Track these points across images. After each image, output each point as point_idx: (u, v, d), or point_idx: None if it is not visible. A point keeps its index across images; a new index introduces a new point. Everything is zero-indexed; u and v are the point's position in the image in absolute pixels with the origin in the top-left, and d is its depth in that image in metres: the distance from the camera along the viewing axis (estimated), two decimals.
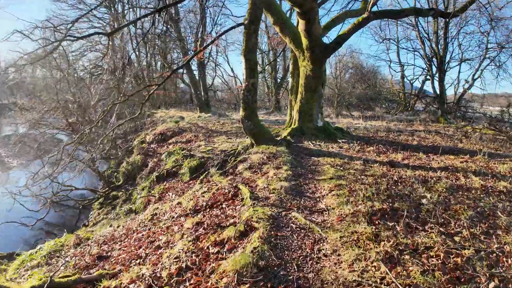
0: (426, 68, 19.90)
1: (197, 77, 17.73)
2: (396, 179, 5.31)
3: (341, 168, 5.82)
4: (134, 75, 23.88)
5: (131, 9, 21.95)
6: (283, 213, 4.09)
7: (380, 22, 21.04)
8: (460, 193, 4.89)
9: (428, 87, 27.21)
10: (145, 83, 25.57)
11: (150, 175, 9.34)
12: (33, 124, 14.41)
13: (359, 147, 7.97)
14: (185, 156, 8.75)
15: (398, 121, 17.68)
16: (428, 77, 25.43)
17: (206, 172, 7.17)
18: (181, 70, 18.45)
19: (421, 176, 5.61)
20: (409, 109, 22.76)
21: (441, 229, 3.65)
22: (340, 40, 8.00)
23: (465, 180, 5.58)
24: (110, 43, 8.26)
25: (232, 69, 44.50)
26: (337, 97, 21.76)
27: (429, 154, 7.98)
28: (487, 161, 7.22)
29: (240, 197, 4.91)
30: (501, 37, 18.48)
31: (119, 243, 5.65)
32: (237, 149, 8.16)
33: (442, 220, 3.88)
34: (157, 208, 6.36)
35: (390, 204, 4.17)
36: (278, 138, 8.71)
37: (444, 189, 4.94)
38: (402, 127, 14.44)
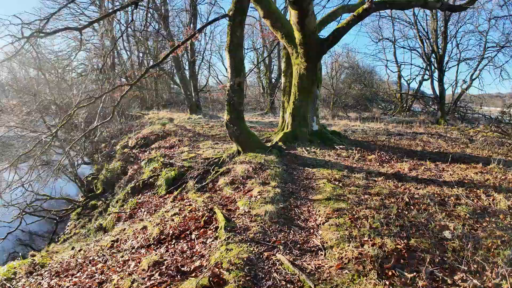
0: (425, 68, 18.95)
1: (188, 77, 16.60)
2: (407, 199, 4.26)
3: (340, 184, 4.77)
4: (125, 75, 22.72)
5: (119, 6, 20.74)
6: (265, 254, 3.02)
7: (379, 20, 20.07)
8: (487, 219, 3.87)
9: (425, 87, 26.32)
10: (137, 83, 24.40)
11: (128, 185, 8.23)
12: (11, 127, 13.22)
13: (359, 154, 6.92)
14: (164, 165, 7.66)
15: (397, 122, 16.71)
16: (426, 77, 24.58)
17: (183, 186, 6.09)
18: (171, 70, 17.36)
19: (436, 195, 4.58)
20: (406, 110, 21.81)
21: (476, 281, 2.61)
22: (338, 34, 6.97)
23: (488, 199, 4.55)
24: (82, 38, 7.17)
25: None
26: (333, 98, 20.75)
27: (438, 163, 6.96)
28: (504, 172, 6.21)
29: (215, 225, 3.84)
30: (500, 36, 17.59)
31: (71, 277, 4.56)
32: (221, 157, 7.09)
33: (475, 265, 2.84)
34: (123, 230, 5.26)
35: (405, 241, 3.12)
36: (269, 144, 7.66)
37: (467, 215, 3.91)
38: (402, 129, 13.46)
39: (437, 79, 17.04)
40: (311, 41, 7.03)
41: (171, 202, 5.37)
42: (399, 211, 3.89)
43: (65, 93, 13.11)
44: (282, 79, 8.97)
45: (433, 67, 17.86)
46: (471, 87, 20.73)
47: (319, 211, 3.88)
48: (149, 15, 21.37)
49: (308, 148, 7.29)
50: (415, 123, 16.69)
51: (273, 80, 22.42)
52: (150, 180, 7.45)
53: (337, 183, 4.85)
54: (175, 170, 6.98)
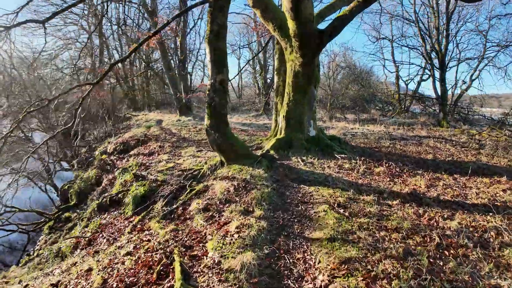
0: (427, 67, 17.80)
1: (177, 77, 15.31)
2: (438, 238, 3.06)
3: (347, 214, 3.54)
4: (115, 75, 21.36)
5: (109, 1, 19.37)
6: None
7: (380, 16, 18.86)
8: None
9: (423, 88, 25.16)
10: (128, 83, 23.05)
11: (94, 201, 6.98)
12: None
13: (365, 166, 5.70)
14: (136, 177, 6.41)
15: (397, 125, 15.54)
16: (424, 77, 23.46)
17: (150, 208, 4.84)
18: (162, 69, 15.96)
19: (471, 229, 3.37)
20: (405, 111, 20.67)
21: None
22: (339, 24, 5.77)
23: None
24: (46, 31, 5.93)
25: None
26: (330, 99, 19.56)
27: (455, 176, 5.78)
28: None
29: (169, 283, 2.61)
30: (503, 35, 16.48)
31: None
32: (202, 168, 5.85)
33: None
34: (68, 270, 4.02)
35: None
36: (259, 153, 6.43)
37: None
38: (404, 132, 12.29)
39: (438, 79, 15.89)
40: (307, 32, 5.81)
41: (128, 232, 4.12)
42: (431, 260, 2.68)
43: (46, 93, 11.79)
44: (275, 78, 7.73)
45: (434, 67, 16.72)
46: (470, 88, 19.73)
47: (320, 262, 2.65)
48: (140, 12, 20.08)
49: (304, 158, 6.06)
50: (416, 125, 15.56)
51: (268, 80, 21.15)
52: (119, 196, 6.19)
53: (342, 210, 3.62)
54: (145, 186, 5.72)
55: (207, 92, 5.43)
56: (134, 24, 21.20)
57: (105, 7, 17.54)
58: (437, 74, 17.76)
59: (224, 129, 5.42)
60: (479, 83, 26.01)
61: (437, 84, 16.93)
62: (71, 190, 9.84)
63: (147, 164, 7.52)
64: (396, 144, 8.90)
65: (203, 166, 5.90)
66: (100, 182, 8.48)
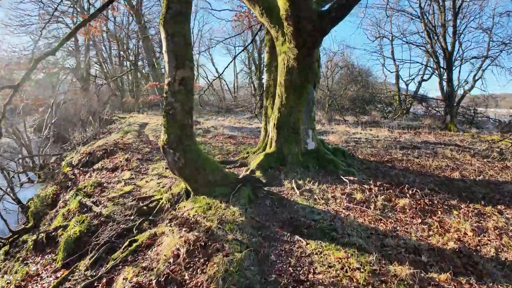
0: (430, 66, 16.20)
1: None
2: None
3: None
4: (106, 75, 19.61)
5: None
6: None
7: (386, 11, 17.15)
8: None
9: (423, 88, 23.57)
10: (118, 84, 21.31)
11: (37, 232, 5.31)
12: None
13: (383, 196, 4.03)
14: (81, 206, 4.74)
15: (401, 128, 13.92)
16: (425, 77, 21.85)
17: (76, 264, 3.17)
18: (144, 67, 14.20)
19: None
20: (405, 112, 19.04)
21: None
22: (347, 3, 4.11)
23: None
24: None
25: (216, 69, 40.10)
26: (328, 100, 17.90)
27: (501, 208, 4.14)
28: None
29: None
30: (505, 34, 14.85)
31: None
32: (161, 198, 4.18)
33: None
34: None
35: None
36: (242, 173, 4.78)
37: None
38: (411, 137, 10.68)
39: (445, 79, 14.24)
40: (304, 13, 4.14)
41: None
42: None
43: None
44: (265, 76, 6.04)
45: (440, 66, 15.07)
46: (473, 88, 18.18)
47: None
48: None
49: (300, 182, 4.40)
50: (422, 129, 13.93)
51: (263, 80, 19.50)
52: (58, 232, 4.52)
53: None
54: (84, 223, 4.05)
55: (164, 95, 3.75)
56: (122, 21, 19.43)
57: (89, 4, 15.82)
58: (439, 73, 16.15)
59: (188, 147, 3.74)
60: (482, 83, 24.37)
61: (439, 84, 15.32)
62: (29, 209, 8.15)
63: (105, 184, 5.85)
64: (410, 155, 7.25)
65: (163, 195, 4.23)
66: (56, 203, 6.81)
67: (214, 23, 51.82)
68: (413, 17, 14.93)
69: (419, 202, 3.97)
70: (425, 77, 22.01)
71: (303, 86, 4.91)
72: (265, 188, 4.18)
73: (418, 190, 4.35)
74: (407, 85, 23.21)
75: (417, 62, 18.39)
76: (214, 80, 7.36)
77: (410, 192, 4.35)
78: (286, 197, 3.92)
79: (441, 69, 14.48)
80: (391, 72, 21.50)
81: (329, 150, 5.82)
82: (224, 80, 27.23)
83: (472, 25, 24.61)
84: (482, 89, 23.54)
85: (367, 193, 4.11)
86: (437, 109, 18.29)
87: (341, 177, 4.66)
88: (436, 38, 14.42)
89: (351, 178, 4.55)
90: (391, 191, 4.26)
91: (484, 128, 15.54)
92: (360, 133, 11.16)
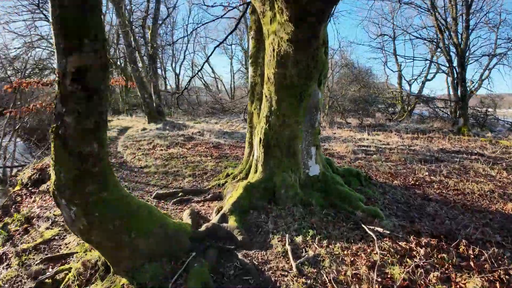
0: (445, 64, 14.38)
1: (146, 75, 11.78)
2: None
3: None
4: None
5: None
6: None
7: (393, 5, 15.24)
8: None
9: (426, 88, 21.77)
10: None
11: None
12: None
13: (436, 274, 2.26)
14: None
15: (410, 132, 12.15)
16: (429, 77, 20.04)
17: None
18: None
19: None
20: (409, 114, 17.24)
21: None
22: None
23: None
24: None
25: (212, 69, 38.15)
26: (328, 101, 16.09)
27: None
28: None
29: None
30: None
31: None
32: (70, 270, 2.42)
33: None
34: None
35: None
36: (204, 226, 2.99)
37: None
38: (424, 144, 8.92)
39: (459, 79, 12.40)
40: None
41: None
42: None
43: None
44: (249, 71, 4.18)
45: (449, 63, 13.22)
46: (479, 88, 16.42)
47: None
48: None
49: (298, 239, 2.61)
50: (433, 133, 12.14)
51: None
52: None
53: None
54: None
55: (54, 103, 1.97)
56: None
57: None
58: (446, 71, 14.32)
59: (95, 197, 1.97)
60: (489, 83, 22.49)
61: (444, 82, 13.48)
62: None
63: (35, 219, 4.09)
64: (437, 173, 5.47)
65: (73, 264, 2.45)
66: None
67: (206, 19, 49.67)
68: (422, 10, 13.06)
69: (491, 278, 2.18)
70: (429, 76, 20.27)
71: (304, 85, 3.11)
72: (240, 255, 2.39)
73: (481, 250, 2.56)
74: (410, 85, 21.42)
75: (425, 59, 16.50)
76: (192, 77, 5.54)
77: (472, 253, 2.57)
78: (274, 278, 2.13)
79: (454, 68, 12.63)
80: (394, 72, 19.68)
81: (338, 173, 4.03)
82: (221, 81, 25.43)
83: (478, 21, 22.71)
84: (489, 88, 21.74)
85: (407, 261, 2.32)
86: (443, 110, 16.49)
87: (362, 225, 2.87)
88: (448, 33, 12.58)
89: (379, 229, 2.75)
90: (444, 255, 2.46)
91: (496, 131, 13.76)
92: (367, 139, 9.37)
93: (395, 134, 11.32)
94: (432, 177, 5.27)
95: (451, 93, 17.22)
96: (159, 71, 23.39)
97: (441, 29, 12.50)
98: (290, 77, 3.07)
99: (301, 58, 2.96)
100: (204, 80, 25.25)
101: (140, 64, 13.16)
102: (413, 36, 14.58)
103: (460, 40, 12.51)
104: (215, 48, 5.38)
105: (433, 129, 13.06)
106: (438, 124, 13.97)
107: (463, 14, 12.86)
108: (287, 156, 3.35)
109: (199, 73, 31.95)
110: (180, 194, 3.96)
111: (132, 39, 11.02)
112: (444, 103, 15.89)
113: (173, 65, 22.84)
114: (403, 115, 15.94)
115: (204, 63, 4.95)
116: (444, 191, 4.53)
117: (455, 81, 12.73)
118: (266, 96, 3.35)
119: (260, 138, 3.43)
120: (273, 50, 3.07)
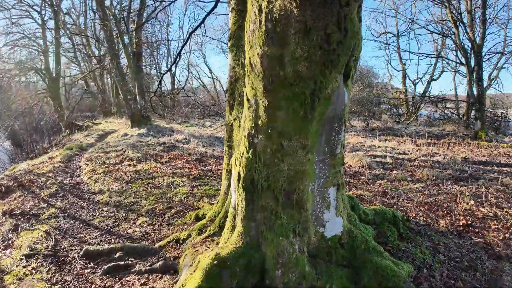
0: (459, 62, 12.75)
1: (132, 74, 10.20)
2: None
3: None
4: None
5: None
6: None
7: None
8: None
9: (432, 88, 20.13)
10: (99, 86, 17.88)
11: None
12: None
13: None
14: None
15: (423, 137, 10.59)
16: (435, 76, 18.40)
17: None
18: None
19: None
20: (414, 115, 15.63)
21: None
22: None
23: None
24: None
25: (210, 69, 36.47)
26: None
27: None
28: None
29: None
30: None
31: None
32: None
33: None
34: None
35: None
36: None
37: None
38: (442, 152, 7.38)
39: (475, 77, 10.78)
40: None
41: None
42: None
43: None
44: (228, 59, 2.57)
45: (466, 60, 11.60)
46: (489, 88, 14.86)
47: None
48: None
49: None
50: (448, 138, 10.59)
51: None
52: None
53: None
54: None
55: None
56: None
57: None
58: (461, 69, 12.73)
59: None
60: (497, 82, 20.76)
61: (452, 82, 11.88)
62: None
63: None
64: (483, 200, 3.90)
65: None
66: None
67: (201, 15, 47.94)
68: (437, 2, 11.40)
69: None
70: (435, 76, 18.66)
71: (319, 78, 1.54)
72: None
73: None
74: (414, 84, 19.76)
75: (436, 56, 14.86)
76: (170, 67, 3.94)
77: None
78: None
79: (470, 65, 11.00)
80: (398, 71, 18.04)
81: (367, 220, 2.45)
82: (219, 81, 23.84)
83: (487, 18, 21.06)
84: (497, 88, 20.10)
85: None
86: (452, 111, 14.88)
87: None
88: (463, 27, 10.95)
89: None
90: None
91: (508, 135, 12.17)
92: (379, 147, 7.79)
93: (408, 139, 9.74)
94: (481, 208, 3.71)
95: (460, 93, 15.62)
96: (154, 71, 21.84)
97: (456, 23, 10.87)
98: (292, 62, 1.50)
99: (315, 23, 1.39)
100: (200, 80, 23.69)
101: (126, 62, 11.60)
102: (427, 30, 12.87)
103: (476, 35, 10.89)
104: (191, 33, 3.81)
105: (447, 133, 11.47)
106: (450, 128, 12.37)
107: (479, 7, 11.23)
108: (286, 206, 1.78)
109: (197, 73, 30.22)
110: (117, 254, 2.40)
111: (115, 34, 9.46)
112: (454, 104, 14.28)
113: (167, 65, 21.22)
114: (410, 117, 14.33)
115: (179, 50, 3.42)
116: (507, 235, 2.98)
117: (471, 81, 11.12)
118: (248, 100, 1.78)
119: (239, 174, 1.86)
120: (259, 10, 1.50)
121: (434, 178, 5.01)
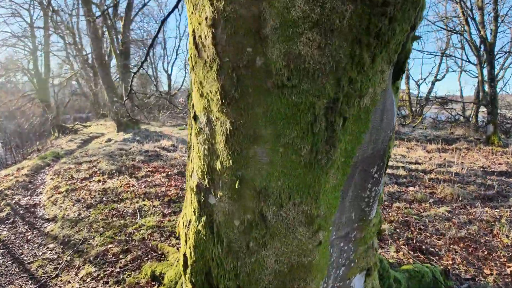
0: (467, 60, 11.83)
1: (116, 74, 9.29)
2: None
3: None
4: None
5: None
6: None
7: None
8: None
9: (437, 90, 19.17)
10: (91, 87, 16.98)
11: None
12: None
13: None
14: None
15: (432, 142, 9.70)
16: (439, 76, 17.47)
17: None
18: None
19: None
20: (421, 118, 14.69)
21: None
22: None
23: None
24: None
25: None
26: None
27: None
28: None
29: None
30: None
31: None
32: None
33: None
34: None
35: None
36: None
37: None
38: (457, 160, 6.46)
39: (488, 80, 9.85)
40: None
41: None
42: None
43: None
44: (189, 42, 1.76)
45: (478, 59, 10.66)
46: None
47: None
48: None
49: None
50: (460, 143, 9.69)
51: None
52: None
53: None
54: None
55: None
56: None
57: None
58: (471, 68, 11.81)
59: None
60: (502, 82, 19.83)
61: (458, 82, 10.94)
62: None
63: None
64: None
65: None
66: None
67: None
68: None
69: None
70: (438, 76, 17.71)
71: (357, 69, 0.63)
72: None
73: None
74: (418, 85, 18.80)
75: (446, 54, 13.91)
76: (143, 59, 3.12)
77: None
78: None
79: (481, 64, 10.07)
80: None
81: None
82: None
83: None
84: (504, 90, 19.13)
85: None
86: (459, 112, 13.95)
87: None
88: (474, 24, 10.00)
89: None
90: None
91: None
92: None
93: (417, 145, 8.83)
94: None
95: (465, 94, 14.68)
96: (150, 71, 20.88)
97: (467, 19, 9.93)
98: (284, 34, 0.59)
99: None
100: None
101: (114, 62, 10.69)
102: (438, 27, 11.91)
103: (489, 33, 9.96)
104: (163, 21, 2.89)
105: (457, 137, 10.55)
106: (460, 131, 11.44)
107: (487, 4, 10.30)
108: None
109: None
110: None
111: (100, 31, 8.55)
112: (461, 106, 13.35)
113: (164, 65, 20.28)
114: (416, 120, 13.40)
115: (153, 40, 2.50)
116: None
117: (483, 81, 10.19)
118: (195, 119, 0.87)
119: (185, 256, 0.95)
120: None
121: (458, 197, 4.10)
